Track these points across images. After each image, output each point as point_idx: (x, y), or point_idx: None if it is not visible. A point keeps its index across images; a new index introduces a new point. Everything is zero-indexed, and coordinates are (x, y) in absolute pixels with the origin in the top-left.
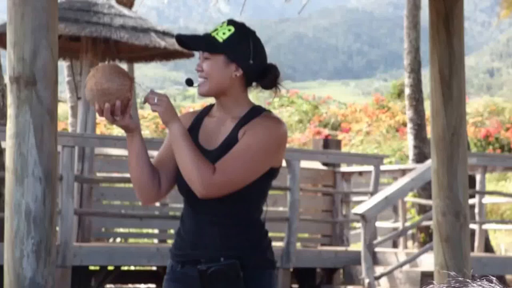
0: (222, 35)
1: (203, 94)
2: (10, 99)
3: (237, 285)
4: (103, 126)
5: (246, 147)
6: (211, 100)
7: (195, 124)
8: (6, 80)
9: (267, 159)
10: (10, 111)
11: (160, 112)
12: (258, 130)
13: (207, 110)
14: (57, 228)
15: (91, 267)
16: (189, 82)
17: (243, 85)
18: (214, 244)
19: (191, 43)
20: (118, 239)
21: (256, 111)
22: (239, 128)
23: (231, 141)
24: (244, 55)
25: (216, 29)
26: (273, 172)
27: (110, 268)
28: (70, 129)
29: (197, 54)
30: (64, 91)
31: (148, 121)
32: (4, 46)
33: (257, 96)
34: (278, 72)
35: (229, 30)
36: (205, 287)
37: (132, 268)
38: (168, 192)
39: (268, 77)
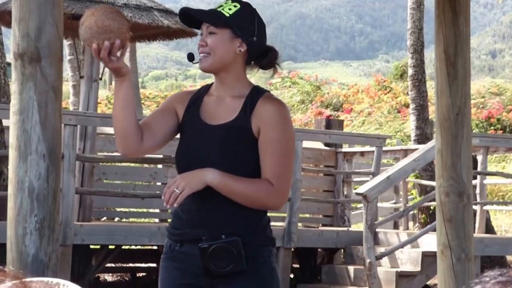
0: (228, 10)
1: (205, 69)
2: (14, 76)
3: (238, 262)
4: (104, 105)
5: (278, 144)
6: (212, 81)
7: (194, 102)
8: (8, 57)
9: (293, 149)
10: (14, 88)
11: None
12: (278, 123)
13: (205, 89)
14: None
15: (92, 246)
16: (191, 57)
17: (244, 62)
18: (215, 223)
19: (197, 16)
20: (117, 219)
21: (259, 92)
22: (247, 112)
23: (242, 126)
24: (249, 31)
25: (221, 5)
26: None
27: (111, 247)
28: (71, 108)
29: (199, 34)
30: (65, 70)
31: (150, 100)
32: (5, 24)
33: (258, 76)
34: (277, 53)
35: (235, 6)
36: (206, 265)
37: (133, 247)
38: (148, 152)
39: (268, 56)
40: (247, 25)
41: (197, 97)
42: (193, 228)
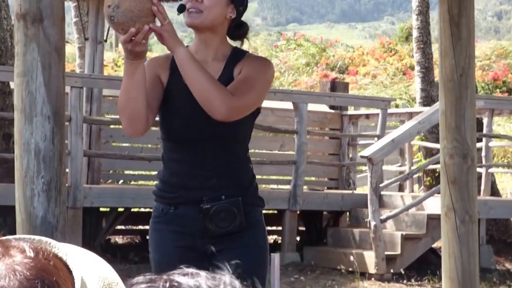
0: None
1: (193, 25)
2: (17, 37)
3: (238, 221)
4: (111, 68)
5: (251, 77)
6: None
7: (176, 66)
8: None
9: (265, 91)
10: (18, 49)
11: (166, 37)
12: (257, 64)
13: None
14: (67, 170)
15: (102, 209)
16: (182, 9)
17: (227, 28)
18: (213, 185)
19: None
20: (122, 181)
21: (241, 52)
22: (231, 66)
23: (227, 78)
24: (241, 0)
25: None
26: (258, 112)
27: (121, 209)
28: (78, 71)
29: None
30: (72, 33)
31: None
32: None
33: (264, 38)
34: (249, 28)
35: None
36: (207, 226)
37: (142, 209)
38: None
39: (243, 28)
40: None
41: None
42: (189, 191)
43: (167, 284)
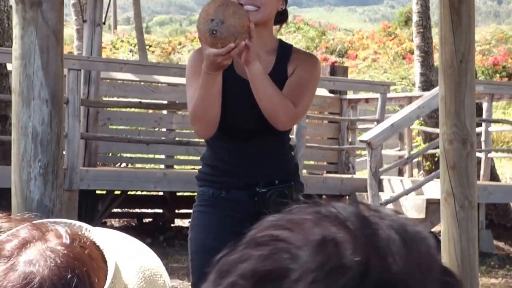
0: None
1: (255, 22)
2: (15, 20)
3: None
4: (109, 50)
5: (304, 80)
6: None
7: None
8: (11, 1)
9: (316, 89)
10: (16, 32)
11: (251, 53)
12: (308, 65)
13: None
14: (64, 152)
15: (98, 191)
16: None
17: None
18: (265, 170)
19: None
20: (123, 164)
21: (287, 46)
22: (283, 63)
23: (281, 75)
24: None
25: None
26: None
27: (117, 192)
28: (76, 53)
29: None
30: (70, 15)
31: (155, 46)
32: None
33: None
34: (288, 13)
35: None
36: (260, 210)
37: (139, 193)
38: None
39: (285, 13)
40: None
41: None
42: (243, 176)
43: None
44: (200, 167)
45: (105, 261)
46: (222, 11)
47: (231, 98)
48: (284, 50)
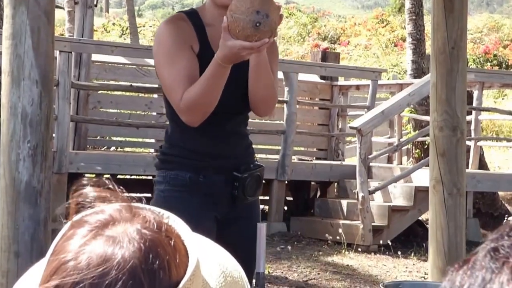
0: None
1: (225, 2)
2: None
3: (260, 190)
4: (100, 33)
5: (275, 65)
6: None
7: (202, 35)
8: None
9: None
10: (7, 12)
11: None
12: (275, 50)
13: (197, 18)
14: (53, 135)
15: (87, 175)
16: None
17: None
18: (241, 154)
19: None
20: (113, 148)
21: None
22: None
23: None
24: None
25: None
26: None
27: (106, 176)
28: (67, 35)
29: None
30: None
31: (146, 29)
32: None
33: None
34: None
35: None
36: (238, 193)
37: (128, 176)
38: None
39: None
40: None
41: (199, 30)
42: (222, 159)
43: None
44: (163, 148)
45: (187, 256)
46: (267, 4)
47: None
48: None
